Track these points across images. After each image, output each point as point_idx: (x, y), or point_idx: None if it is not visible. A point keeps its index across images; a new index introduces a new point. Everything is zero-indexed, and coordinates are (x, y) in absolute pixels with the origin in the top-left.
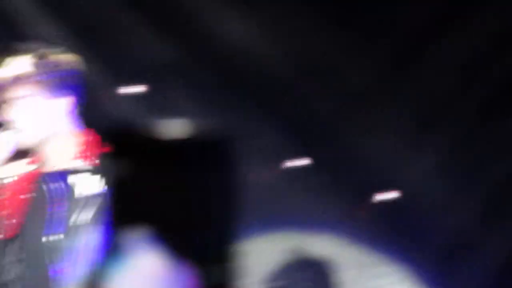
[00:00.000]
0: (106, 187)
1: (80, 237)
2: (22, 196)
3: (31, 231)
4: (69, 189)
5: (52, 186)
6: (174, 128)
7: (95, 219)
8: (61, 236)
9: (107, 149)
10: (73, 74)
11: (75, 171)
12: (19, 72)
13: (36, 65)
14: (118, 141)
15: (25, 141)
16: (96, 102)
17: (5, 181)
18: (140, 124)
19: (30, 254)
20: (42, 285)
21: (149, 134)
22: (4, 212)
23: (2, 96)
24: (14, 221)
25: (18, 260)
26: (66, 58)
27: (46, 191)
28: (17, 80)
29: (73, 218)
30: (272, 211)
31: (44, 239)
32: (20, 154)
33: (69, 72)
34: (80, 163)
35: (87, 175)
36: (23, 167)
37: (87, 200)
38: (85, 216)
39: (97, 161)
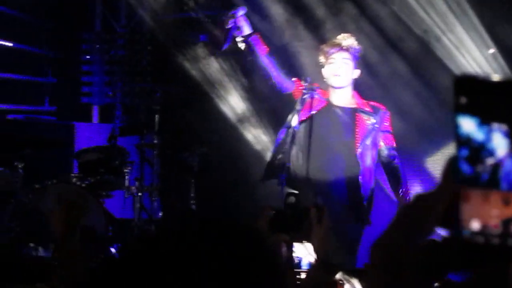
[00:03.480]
0: (376, 125)
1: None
2: (314, 108)
3: (320, 136)
4: (350, 120)
5: (336, 113)
6: None
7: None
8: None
9: (377, 103)
10: (358, 53)
11: (355, 109)
12: (343, 45)
13: (348, 44)
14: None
15: (337, 83)
16: None
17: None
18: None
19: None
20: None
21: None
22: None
23: (331, 56)
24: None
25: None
26: (355, 42)
27: (333, 115)
28: (341, 49)
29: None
30: None
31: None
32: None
33: (357, 52)
34: (358, 106)
35: (364, 114)
36: (322, 96)
37: (364, 130)
38: (368, 141)
39: (369, 108)
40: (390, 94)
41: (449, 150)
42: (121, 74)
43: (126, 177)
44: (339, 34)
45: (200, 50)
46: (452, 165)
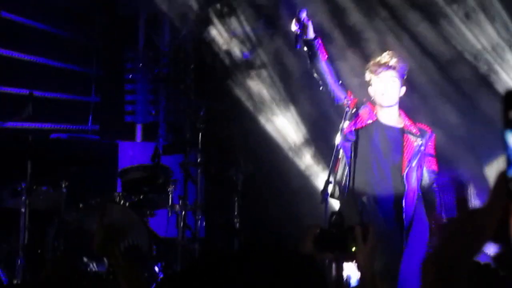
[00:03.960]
0: (422, 147)
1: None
2: (363, 123)
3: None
4: (399, 140)
5: (384, 132)
6: None
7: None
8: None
9: (423, 125)
10: (405, 71)
11: (402, 130)
12: (391, 63)
13: (395, 62)
14: None
15: (386, 102)
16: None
17: (357, 111)
18: None
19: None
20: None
21: None
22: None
23: (379, 75)
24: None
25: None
26: (401, 60)
27: (382, 134)
28: (388, 68)
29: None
30: None
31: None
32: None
33: (404, 70)
34: (406, 126)
35: (411, 136)
36: (371, 113)
37: (412, 151)
38: (414, 161)
39: (416, 130)
40: (432, 109)
41: (494, 166)
42: (165, 92)
43: (170, 195)
44: (382, 51)
45: (244, 68)
46: (502, 181)
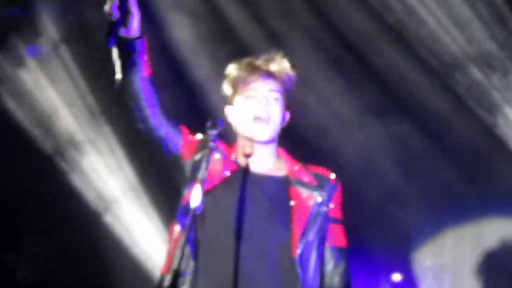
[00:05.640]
0: (324, 207)
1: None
2: (224, 174)
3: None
4: (282, 198)
5: (256, 187)
6: None
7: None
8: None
9: (321, 168)
10: (292, 83)
11: (287, 180)
12: (272, 69)
13: (280, 69)
14: None
15: (261, 134)
16: None
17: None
18: None
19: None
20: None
21: None
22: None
23: (250, 87)
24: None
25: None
26: (288, 65)
27: (252, 191)
28: (267, 76)
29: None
30: None
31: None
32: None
33: (291, 81)
34: (292, 174)
35: (303, 189)
36: (226, 159)
37: (305, 216)
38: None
39: (309, 178)
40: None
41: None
42: None
43: None
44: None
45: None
46: None
